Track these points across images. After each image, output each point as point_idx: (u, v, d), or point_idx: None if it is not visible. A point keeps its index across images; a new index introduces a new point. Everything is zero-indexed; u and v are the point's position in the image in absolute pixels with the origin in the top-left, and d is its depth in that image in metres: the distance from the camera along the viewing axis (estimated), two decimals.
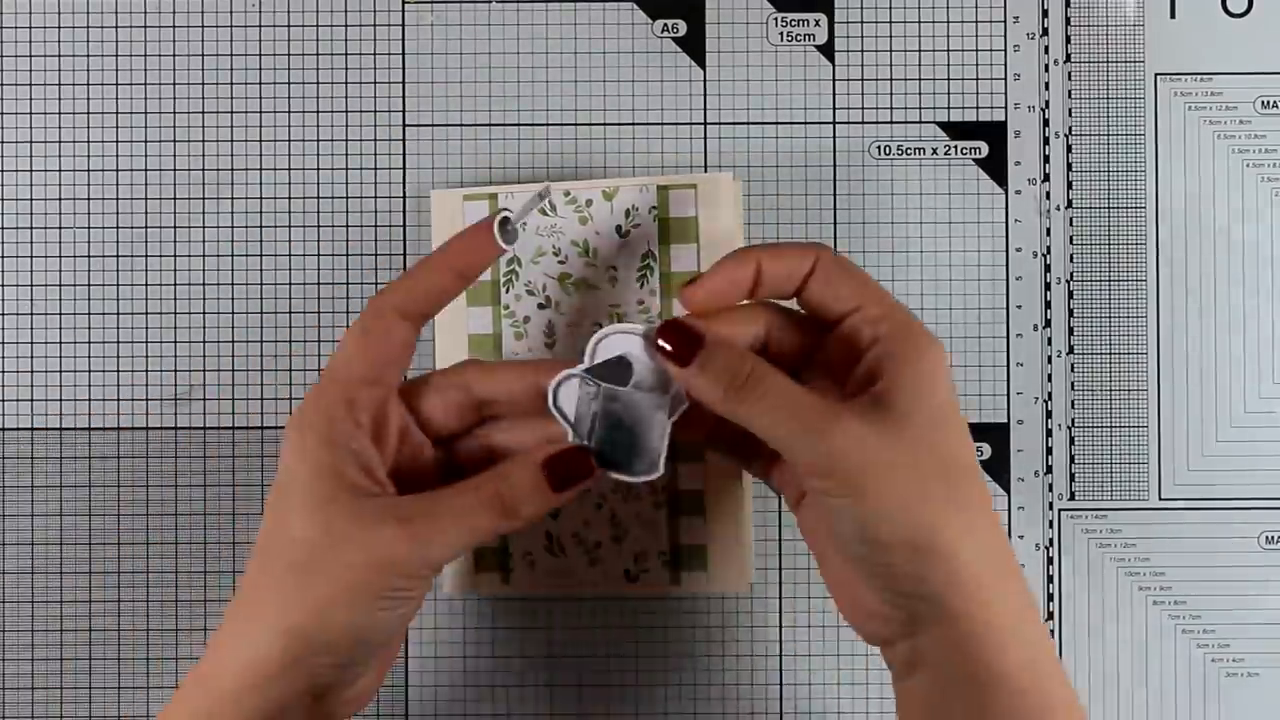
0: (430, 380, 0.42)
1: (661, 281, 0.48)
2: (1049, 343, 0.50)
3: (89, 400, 0.50)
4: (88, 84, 0.50)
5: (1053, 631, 0.50)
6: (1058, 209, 0.50)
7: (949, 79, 0.50)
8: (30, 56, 0.50)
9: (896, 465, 0.36)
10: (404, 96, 0.50)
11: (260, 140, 0.50)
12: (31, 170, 0.50)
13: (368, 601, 0.37)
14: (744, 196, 0.50)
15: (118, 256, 0.50)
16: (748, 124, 0.50)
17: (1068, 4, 0.50)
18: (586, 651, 0.50)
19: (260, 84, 0.50)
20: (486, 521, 0.38)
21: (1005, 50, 0.51)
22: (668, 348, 0.39)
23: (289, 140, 0.50)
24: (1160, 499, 0.50)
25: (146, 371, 0.50)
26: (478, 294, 0.49)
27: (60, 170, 0.50)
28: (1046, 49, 0.50)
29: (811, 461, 0.37)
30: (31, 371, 0.50)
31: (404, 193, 0.50)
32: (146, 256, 0.50)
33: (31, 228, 0.50)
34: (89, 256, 0.50)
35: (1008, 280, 0.50)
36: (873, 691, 0.50)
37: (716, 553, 0.48)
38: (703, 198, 0.48)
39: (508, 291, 0.48)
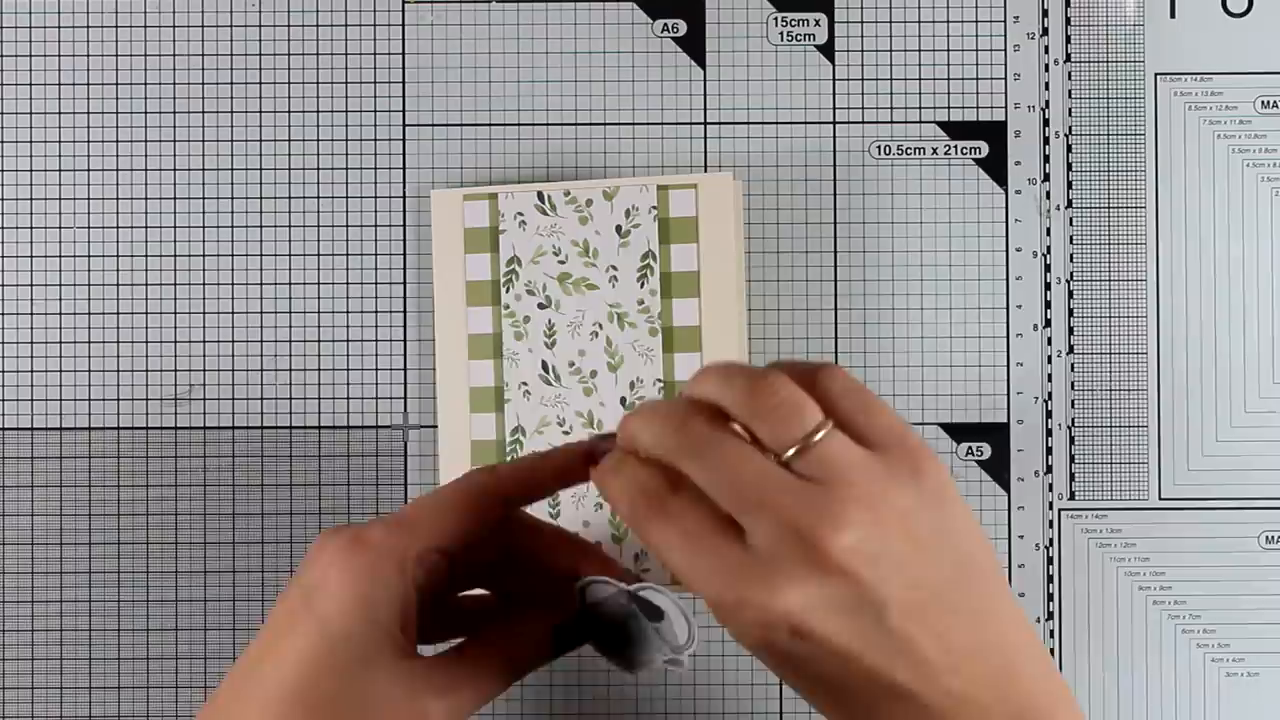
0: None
1: (661, 281, 0.48)
2: (1049, 343, 0.50)
3: (89, 400, 0.50)
4: (88, 84, 0.50)
5: (1052, 632, 0.50)
6: (1058, 209, 0.50)
7: (949, 79, 0.50)
8: (30, 56, 0.50)
9: (913, 574, 0.33)
10: (404, 96, 0.50)
11: (260, 140, 0.50)
12: (31, 170, 0.50)
13: None
14: (744, 196, 0.50)
15: (118, 256, 0.50)
16: (748, 124, 0.50)
17: (1068, 4, 0.50)
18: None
19: (260, 84, 0.50)
20: (501, 686, 0.37)
21: (1005, 50, 0.51)
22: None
23: (289, 140, 0.50)
24: (1160, 499, 0.50)
25: (146, 371, 0.50)
26: (478, 294, 0.49)
27: (60, 170, 0.50)
28: (1046, 49, 0.50)
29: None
30: (31, 371, 0.50)
31: (404, 193, 0.50)
32: (146, 256, 0.50)
33: (31, 228, 0.50)
34: (89, 256, 0.50)
35: (1008, 280, 0.50)
36: None
37: None
38: (703, 198, 0.48)
39: (508, 291, 0.48)
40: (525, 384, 0.48)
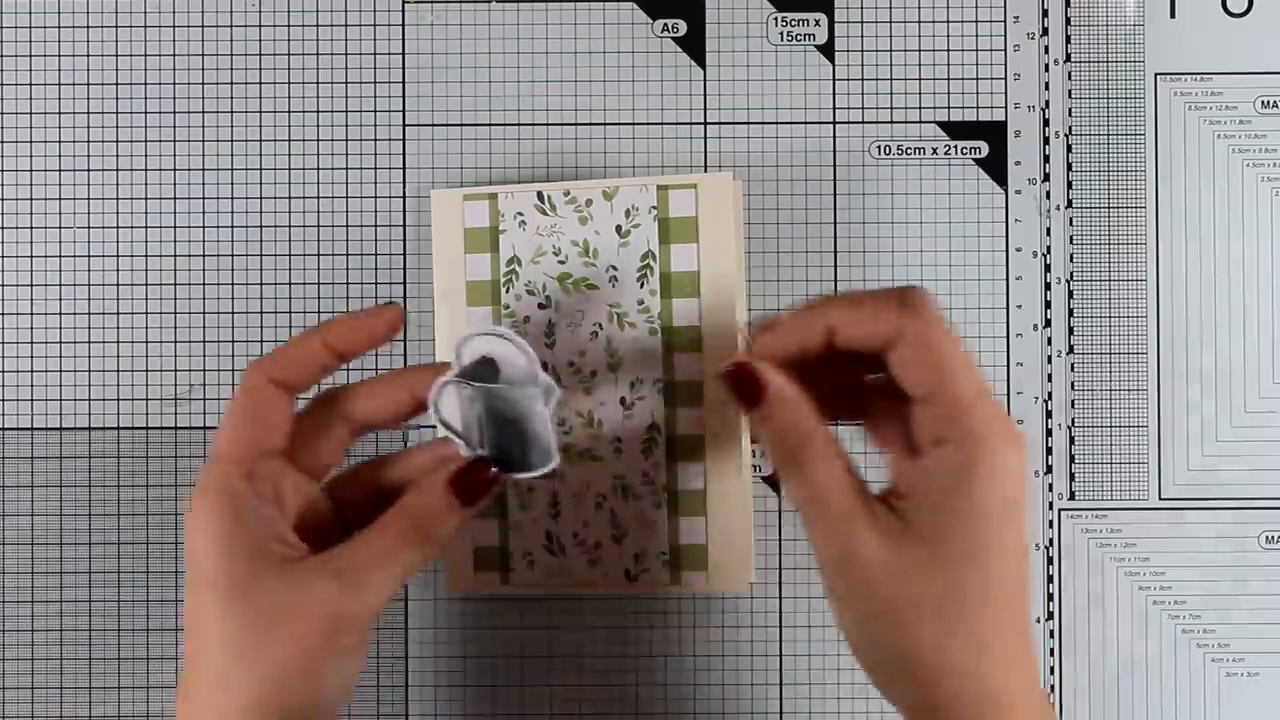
0: (308, 423, 0.41)
1: (661, 282, 0.48)
2: (1049, 343, 0.50)
3: (89, 400, 0.50)
4: (88, 84, 0.50)
5: (1052, 632, 0.50)
6: (1058, 209, 0.50)
7: (949, 79, 0.50)
8: (30, 56, 0.50)
9: (890, 593, 0.36)
10: (404, 96, 0.50)
11: (260, 140, 0.50)
12: (31, 170, 0.50)
13: (322, 663, 0.37)
14: (744, 196, 0.50)
15: (118, 256, 0.50)
16: (748, 124, 0.50)
17: (1068, 4, 0.50)
18: (586, 651, 0.50)
19: (260, 84, 0.50)
20: (411, 555, 0.38)
21: (1005, 50, 0.51)
22: (733, 383, 0.38)
23: (289, 140, 0.50)
24: (1160, 499, 0.50)
25: (146, 371, 0.50)
26: (478, 294, 0.49)
27: (60, 170, 0.50)
28: (1046, 49, 0.50)
29: (819, 559, 0.37)
30: (31, 371, 0.50)
31: (404, 193, 0.50)
32: (146, 256, 0.50)
33: (31, 228, 0.50)
34: (89, 256, 0.50)
35: (1008, 280, 0.50)
36: (873, 692, 0.50)
37: (716, 553, 0.48)
38: (703, 198, 0.48)
39: (508, 291, 0.48)
40: None
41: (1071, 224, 0.50)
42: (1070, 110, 0.50)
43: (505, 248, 0.48)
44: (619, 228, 0.48)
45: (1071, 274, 0.50)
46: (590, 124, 0.50)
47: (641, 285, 0.48)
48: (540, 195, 0.48)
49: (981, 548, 0.36)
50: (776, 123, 0.50)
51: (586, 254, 0.48)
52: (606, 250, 0.48)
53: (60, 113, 0.50)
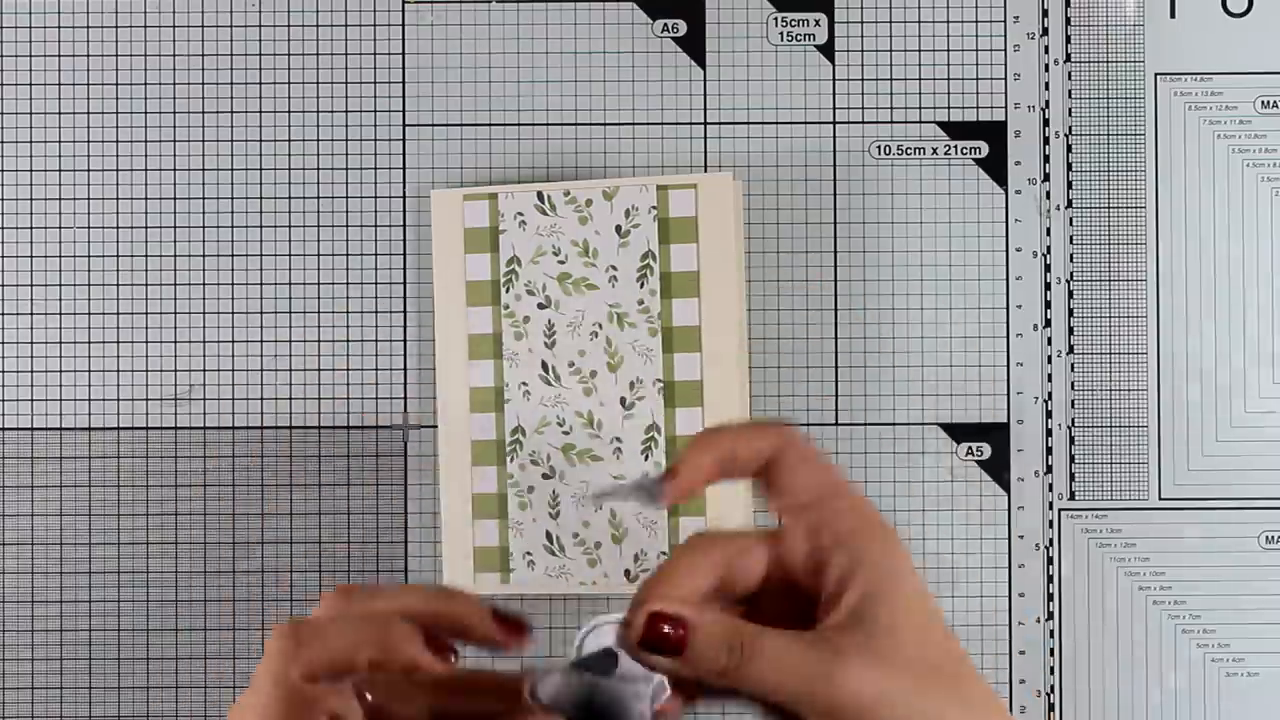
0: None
1: (661, 281, 0.48)
2: (1049, 343, 0.50)
3: (89, 400, 0.50)
4: (88, 84, 0.50)
5: (1052, 632, 0.50)
6: (1058, 209, 0.50)
7: (949, 79, 0.50)
8: (30, 56, 0.50)
9: (899, 692, 0.35)
10: (404, 96, 0.50)
11: (260, 140, 0.50)
12: (31, 170, 0.50)
13: None
14: (744, 196, 0.50)
15: (118, 256, 0.50)
16: (748, 124, 0.50)
17: (1068, 4, 0.50)
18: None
19: (260, 84, 0.50)
20: None
21: (1005, 50, 0.51)
22: (657, 638, 0.35)
23: (289, 140, 0.50)
24: (1160, 499, 0.50)
25: (146, 371, 0.50)
26: (477, 294, 0.49)
27: (60, 170, 0.50)
28: (1046, 49, 0.50)
29: (822, 713, 0.35)
30: (31, 371, 0.50)
31: (404, 193, 0.50)
32: (146, 256, 0.50)
33: (31, 228, 0.50)
34: (89, 256, 0.50)
35: (1008, 280, 0.50)
36: None
37: None
38: (703, 198, 0.48)
39: (507, 291, 0.48)
40: (525, 384, 0.48)
41: (1071, 224, 0.50)
42: (1070, 110, 0.50)
43: (505, 247, 0.48)
44: (619, 228, 0.48)
45: (1071, 274, 0.50)
46: (590, 124, 0.50)
47: (641, 285, 0.48)
48: (540, 195, 0.48)
49: (926, 628, 0.35)
50: (776, 123, 0.50)
51: (586, 254, 0.48)
52: (606, 250, 0.48)
53: (60, 113, 0.50)
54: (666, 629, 0.35)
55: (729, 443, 0.37)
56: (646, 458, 0.48)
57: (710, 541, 0.36)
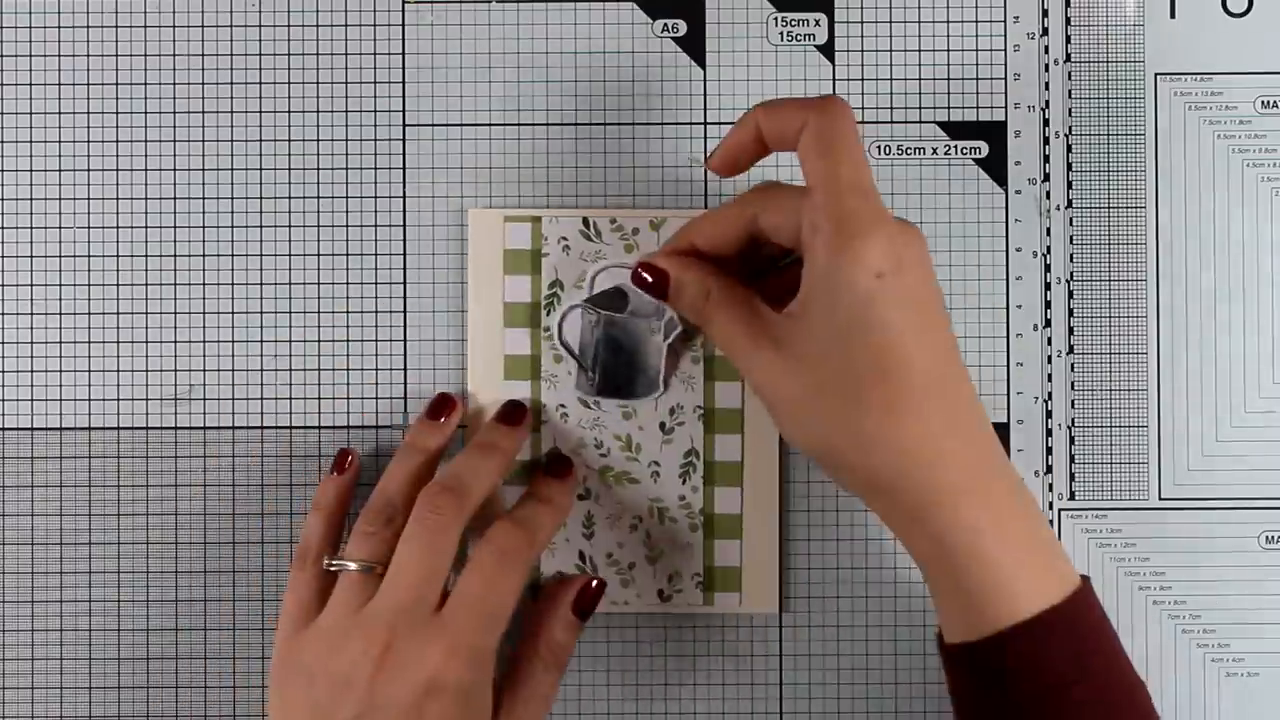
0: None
1: None
2: (1049, 343, 0.50)
3: (89, 400, 0.50)
4: (88, 84, 0.50)
5: None
6: (1058, 209, 0.50)
7: (949, 79, 0.50)
8: (30, 56, 0.50)
9: (792, 389, 0.40)
10: (404, 96, 0.50)
11: (260, 140, 0.50)
12: (31, 170, 0.50)
13: None
14: None
15: (118, 256, 0.50)
16: None
17: (1068, 4, 0.50)
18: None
19: (260, 84, 0.50)
20: (553, 685, 0.46)
21: (1005, 50, 0.51)
22: (644, 282, 0.44)
23: (289, 140, 0.50)
24: (1160, 499, 0.50)
25: (146, 371, 0.50)
26: (516, 315, 0.49)
27: (60, 170, 0.50)
28: (1046, 49, 0.50)
29: (757, 394, 0.42)
30: (31, 371, 0.50)
31: (404, 192, 0.50)
32: (146, 256, 0.50)
33: (31, 228, 0.50)
34: (89, 256, 0.50)
35: (1008, 280, 0.50)
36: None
37: (749, 574, 0.49)
38: None
39: (548, 314, 0.49)
40: (563, 406, 0.49)
41: (1071, 224, 0.50)
42: (1070, 110, 0.50)
43: (547, 271, 0.49)
44: None
45: (1071, 274, 0.50)
46: (590, 124, 0.50)
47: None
48: (585, 221, 0.49)
49: (852, 332, 0.38)
50: None
51: None
52: None
53: (60, 113, 0.50)
54: (649, 277, 0.44)
55: (764, 119, 0.42)
56: (684, 481, 0.48)
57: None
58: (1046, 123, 0.50)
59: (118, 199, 0.50)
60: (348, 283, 0.50)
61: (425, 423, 0.48)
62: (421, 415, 0.48)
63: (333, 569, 0.44)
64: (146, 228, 0.50)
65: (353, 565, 0.44)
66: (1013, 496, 0.40)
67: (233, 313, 0.50)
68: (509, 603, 0.44)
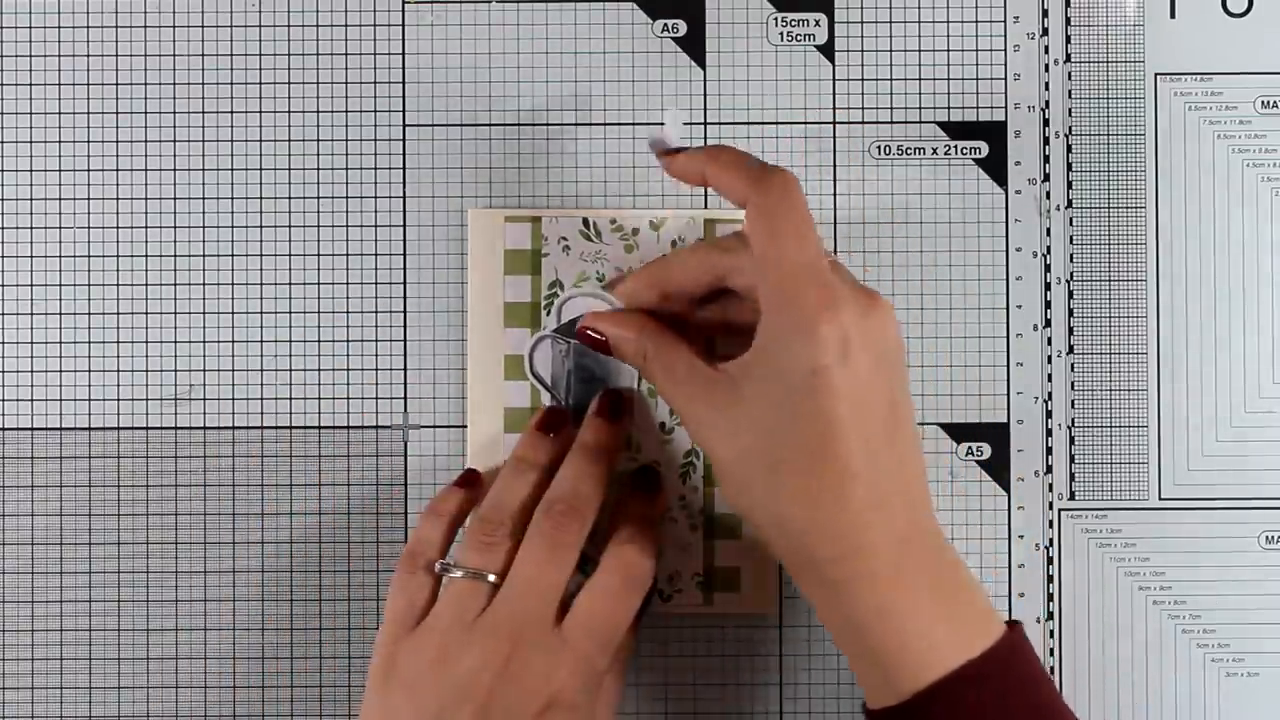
0: None
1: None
2: (1049, 343, 0.50)
3: (89, 400, 0.50)
4: (88, 84, 0.50)
5: (1052, 632, 0.50)
6: (1058, 209, 0.50)
7: (949, 79, 0.50)
8: (30, 56, 0.50)
9: (729, 456, 0.41)
10: (404, 96, 0.50)
11: (260, 140, 0.50)
12: (31, 170, 0.50)
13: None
14: None
15: (118, 256, 0.50)
16: (748, 124, 0.50)
17: (1068, 4, 0.50)
18: None
19: (260, 84, 0.50)
20: (636, 600, 0.45)
21: (1005, 50, 0.51)
22: (591, 339, 0.46)
23: (289, 140, 0.50)
24: (1160, 499, 0.50)
25: (146, 371, 0.50)
26: (516, 315, 0.49)
27: (60, 170, 0.50)
28: (1046, 49, 0.50)
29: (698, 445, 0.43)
30: (31, 371, 0.50)
31: (404, 192, 0.50)
32: (146, 256, 0.50)
33: (31, 228, 0.50)
34: (89, 256, 0.50)
35: (1008, 280, 0.50)
36: None
37: (749, 574, 0.49)
38: None
39: (548, 314, 0.49)
40: None
41: (1071, 224, 0.50)
42: (1070, 110, 0.50)
43: (547, 271, 0.49)
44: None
45: (1071, 274, 0.50)
46: (590, 124, 0.50)
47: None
48: (586, 221, 0.49)
49: (785, 411, 0.39)
50: (776, 123, 0.50)
51: None
52: None
53: (60, 113, 0.50)
54: (593, 334, 0.46)
55: (710, 177, 0.43)
56: (685, 481, 0.48)
57: (674, 262, 0.46)
58: (1046, 123, 0.50)
59: (118, 199, 0.50)
60: (348, 283, 0.50)
61: (535, 436, 0.47)
62: (530, 428, 0.47)
63: (455, 575, 0.43)
64: (146, 228, 0.50)
65: (475, 573, 0.43)
66: (930, 555, 0.40)
67: (233, 313, 0.50)
68: (626, 625, 0.43)
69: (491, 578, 0.42)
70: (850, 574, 0.39)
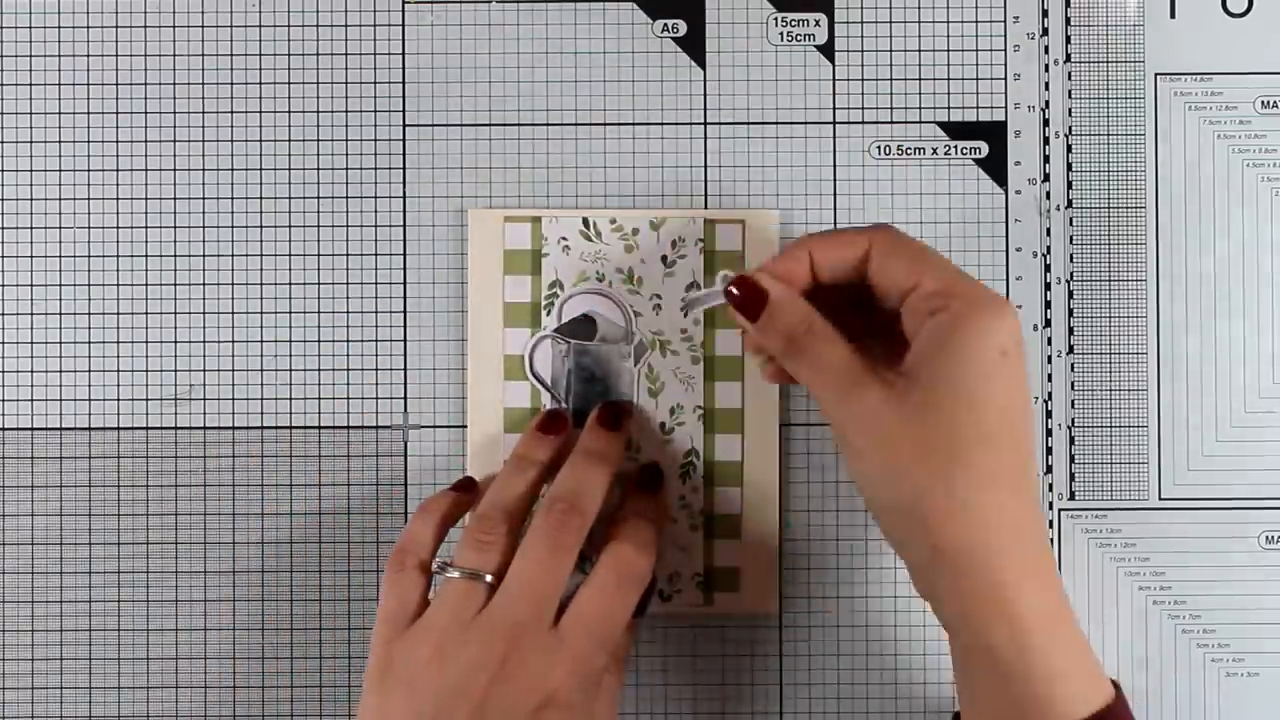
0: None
1: (705, 312, 0.48)
2: (1049, 343, 0.50)
3: (89, 400, 0.50)
4: (88, 84, 0.50)
5: None
6: (1058, 209, 0.50)
7: (949, 79, 0.50)
8: (30, 56, 0.50)
9: (896, 436, 0.39)
10: (404, 96, 0.50)
11: (260, 140, 0.50)
12: (31, 170, 0.50)
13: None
14: (745, 198, 0.50)
15: (118, 256, 0.50)
16: (748, 124, 0.50)
17: (1068, 4, 0.50)
18: None
19: (260, 84, 0.50)
20: (618, 686, 0.45)
21: (1005, 50, 0.51)
22: (737, 298, 0.42)
23: (289, 140, 0.50)
24: (1160, 499, 0.50)
25: (146, 371, 0.50)
26: (516, 315, 0.49)
27: (60, 170, 0.50)
28: (1046, 49, 0.50)
29: (833, 423, 0.41)
30: (31, 371, 0.50)
31: (404, 193, 0.50)
32: (146, 256, 0.50)
33: (31, 228, 0.50)
34: (89, 256, 0.50)
35: (1008, 280, 0.50)
36: None
37: (749, 574, 0.49)
38: (749, 232, 0.48)
39: (548, 314, 0.49)
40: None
41: (1071, 224, 0.50)
42: (1070, 110, 0.50)
43: (547, 271, 0.49)
44: (665, 258, 0.48)
45: (1071, 274, 0.50)
46: (590, 124, 0.50)
47: (685, 314, 0.48)
48: (585, 221, 0.49)
49: (974, 397, 0.38)
50: (776, 123, 0.50)
51: (630, 281, 0.48)
52: (651, 279, 0.48)
53: (60, 113, 0.50)
54: (740, 293, 0.42)
55: (814, 248, 0.42)
56: (685, 481, 0.48)
57: (804, 244, 0.42)
58: (1046, 123, 0.50)
59: (118, 199, 0.50)
60: (348, 283, 0.50)
61: (535, 435, 0.47)
62: (531, 429, 0.47)
63: (452, 576, 0.43)
64: (146, 228, 0.50)
65: (472, 573, 0.42)
66: (1061, 596, 0.40)
67: (233, 313, 0.50)
68: (624, 623, 0.43)
69: (488, 578, 0.42)
70: (1010, 576, 0.38)
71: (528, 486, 0.45)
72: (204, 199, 0.50)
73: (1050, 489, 0.50)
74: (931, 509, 0.38)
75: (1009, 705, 0.39)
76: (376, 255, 0.50)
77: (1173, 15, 0.50)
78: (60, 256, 0.50)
